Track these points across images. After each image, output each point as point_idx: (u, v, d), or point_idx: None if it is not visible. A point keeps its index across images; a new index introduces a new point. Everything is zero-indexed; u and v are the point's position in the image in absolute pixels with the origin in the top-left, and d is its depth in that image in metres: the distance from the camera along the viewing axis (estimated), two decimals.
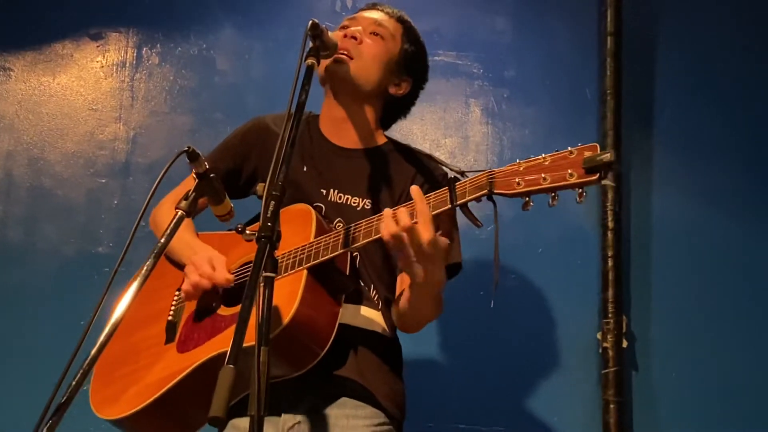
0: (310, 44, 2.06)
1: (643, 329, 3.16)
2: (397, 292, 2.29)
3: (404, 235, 1.92)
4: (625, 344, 3.09)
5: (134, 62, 3.52)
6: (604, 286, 3.14)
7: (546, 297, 3.18)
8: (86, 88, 3.51)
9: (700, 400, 3.09)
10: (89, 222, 3.36)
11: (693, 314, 3.17)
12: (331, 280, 2.10)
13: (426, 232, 1.91)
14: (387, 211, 1.97)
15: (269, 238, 1.59)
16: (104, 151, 3.43)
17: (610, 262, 3.14)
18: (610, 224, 3.16)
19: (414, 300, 2.15)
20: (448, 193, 1.95)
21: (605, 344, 3.08)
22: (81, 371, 1.62)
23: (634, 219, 3.24)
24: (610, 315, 3.09)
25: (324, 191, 2.35)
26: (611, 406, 3.02)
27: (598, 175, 1.75)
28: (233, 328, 2.04)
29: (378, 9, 2.51)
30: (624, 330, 3.10)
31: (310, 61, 1.99)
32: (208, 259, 2.19)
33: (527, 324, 3.17)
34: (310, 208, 2.21)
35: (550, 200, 1.83)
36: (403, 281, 2.26)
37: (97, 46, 3.55)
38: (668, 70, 3.40)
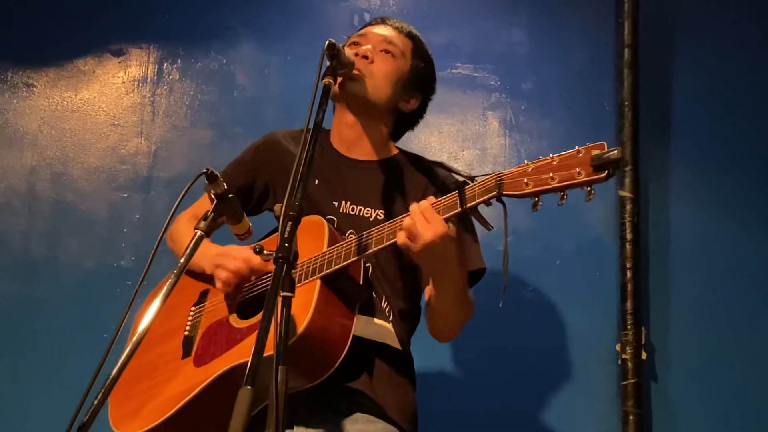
0: (327, 63, 2.10)
1: (662, 341, 3.15)
2: (426, 303, 2.31)
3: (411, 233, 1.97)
4: (644, 356, 3.08)
5: (155, 78, 3.56)
6: (622, 298, 3.13)
7: (564, 309, 3.18)
8: (108, 104, 3.55)
9: (719, 411, 3.08)
10: (111, 236, 3.40)
11: (712, 325, 3.16)
12: (345, 290, 2.12)
13: (426, 231, 1.95)
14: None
15: (287, 258, 1.61)
16: (126, 165, 3.47)
17: (628, 274, 3.13)
18: (629, 236, 3.16)
19: (439, 302, 2.18)
20: (457, 197, 1.98)
21: (624, 356, 3.07)
22: (103, 391, 1.65)
23: (653, 230, 3.24)
24: (629, 327, 3.08)
25: (336, 203, 2.38)
26: (631, 417, 3.02)
27: (606, 172, 1.75)
28: (248, 340, 2.10)
29: (387, 24, 2.52)
30: (643, 341, 3.09)
31: (327, 80, 2.04)
32: (236, 248, 2.25)
33: (545, 336, 3.17)
34: (323, 219, 2.24)
35: (559, 199, 1.84)
36: (427, 292, 2.28)
37: (119, 62, 3.59)
38: (686, 81, 3.40)
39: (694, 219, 3.26)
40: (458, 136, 3.42)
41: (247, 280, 2.26)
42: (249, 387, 1.42)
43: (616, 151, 1.74)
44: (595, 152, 1.77)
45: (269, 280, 2.09)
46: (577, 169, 1.78)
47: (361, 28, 2.58)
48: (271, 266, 2.18)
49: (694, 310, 3.18)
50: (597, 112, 3.37)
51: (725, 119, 3.35)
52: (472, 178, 2.00)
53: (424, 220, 1.96)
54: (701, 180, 3.30)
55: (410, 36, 2.52)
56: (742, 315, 3.17)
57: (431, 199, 2.03)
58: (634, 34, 3.33)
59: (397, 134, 2.58)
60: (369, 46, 2.42)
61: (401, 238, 1.99)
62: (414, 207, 1.99)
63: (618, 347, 3.10)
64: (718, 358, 3.13)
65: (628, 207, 3.18)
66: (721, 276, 3.21)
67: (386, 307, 2.30)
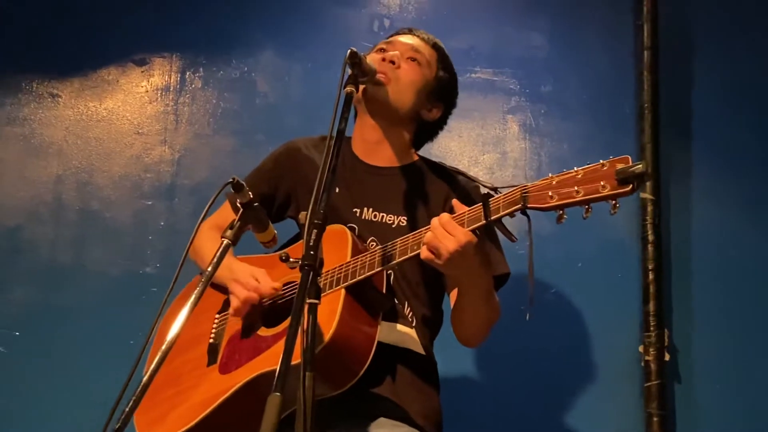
0: (349, 71, 2.12)
1: (685, 342, 3.15)
2: (452, 308, 2.33)
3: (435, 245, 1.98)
4: (667, 357, 3.08)
5: (178, 86, 3.60)
6: (645, 300, 3.14)
7: (586, 311, 3.19)
8: (132, 113, 3.59)
9: (743, 412, 3.08)
10: (136, 243, 3.43)
11: (735, 326, 3.16)
12: (369, 299, 2.14)
13: (450, 243, 1.96)
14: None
15: (312, 266, 1.64)
16: (150, 173, 3.51)
17: (650, 276, 3.14)
18: (650, 237, 3.16)
19: (465, 307, 2.21)
20: (482, 209, 1.99)
21: (647, 357, 3.08)
22: (134, 398, 1.68)
23: (674, 232, 3.24)
24: (651, 328, 3.09)
25: (357, 211, 2.40)
26: (654, 419, 3.02)
27: (631, 186, 1.77)
28: (274, 348, 2.11)
29: (414, 34, 2.55)
30: (666, 343, 3.10)
31: (349, 88, 2.05)
32: (250, 274, 2.27)
33: (568, 338, 3.18)
34: (346, 228, 2.27)
35: (584, 213, 1.86)
36: (454, 296, 2.30)
37: (142, 72, 3.63)
38: (706, 82, 3.40)
39: (715, 220, 3.26)
40: (478, 140, 3.43)
41: (257, 311, 2.28)
42: (278, 394, 1.44)
43: (641, 165, 1.75)
44: (619, 166, 1.79)
45: (294, 288, 2.13)
46: (602, 183, 1.80)
47: (388, 37, 2.60)
48: (293, 274, 2.23)
49: (717, 310, 3.18)
50: (617, 115, 3.38)
51: (746, 120, 3.36)
52: (495, 189, 2.03)
53: (446, 233, 1.97)
54: (722, 181, 3.31)
55: (436, 47, 2.55)
56: (765, 315, 3.17)
57: (458, 205, 2.05)
58: (653, 36, 3.34)
59: (417, 143, 2.59)
60: (397, 52, 2.45)
61: (424, 252, 2.01)
62: (435, 221, 2.00)
63: (641, 349, 3.11)
64: (742, 358, 3.13)
65: (650, 209, 3.18)
66: (743, 276, 3.21)
67: (409, 313, 2.31)
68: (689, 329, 3.18)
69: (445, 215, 2.01)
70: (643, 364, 3.09)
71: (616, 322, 3.18)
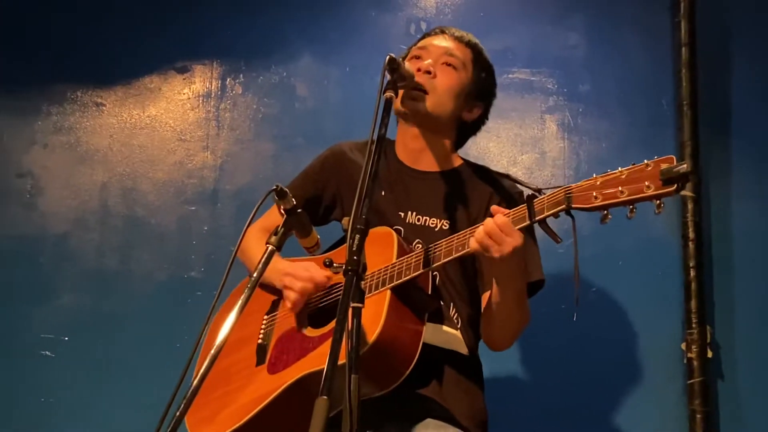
0: (388, 77, 2.14)
1: (727, 338, 3.14)
2: (483, 311, 2.34)
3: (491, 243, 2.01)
4: (709, 354, 3.08)
5: (219, 93, 3.65)
6: (686, 297, 3.13)
7: (628, 309, 3.19)
8: (174, 120, 3.65)
9: None
10: (181, 248, 3.49)
11: None
12: (414, 300, 2.16)
13: (505, 246, 2.00)
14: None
15: (356, 271, 1.67)
16: (193, 179, 3.56)
17: (692, 273, 3.13)
18: (691, 235, 3.15)
19: (500, 304, 2.20)
20: (526, 210, 2.01)
21: (690, 355, 3.07)
22: (185, 401, 1.71)
23: (715, 229, 3.23)
24: (693, 325, 3.08)
25: (402, 214, 2.42)
26: (698, 416, 3.02)
27: (675, 186, 1.78)
28: (321, 348, 2.15)
29: (447, 35, 2.53)
30: (708, 340, 3.09)
31: (388, 94, 2.07)
32: (301, 267, 2.32)
33: (610, 337, 3.17)
34: (391, 230, 2.29)
35: (628, 213, 1.87)
36: (486, 299, 2.32)
37: (183, 79, 3.69)
38: (745, 78, 3.37)
39: (755, 216, 3.24)
40: (516, 140, 3.44)
41: (313, 295, 2.33)
42: (325, 397, 1.47)
43: (685, 165, 1.77)
44: (664, 166, 1.80)
45: (340, 289, 2.16)
46: (646, 183, 1.81)
47: (420, 39, 2.60)
48: (337, 277, 2.27)
49: (759, 307, 3.16)
50: (655, 112, 3.36)
51: None
52: (539, 191, 2.04)
53: (503, 234, 2.00)
54: (762, 177, 3.28)
55: (470, 45, 2.53)
56: None
57: (496, 209, 2.07)
58: (691, 32, 3.31)
59: (459, 143, 2.61)
60: (430, 61, 2.44)
61: (474, 244, 2.04)
62: (490, 221, 2.02)
63: (683, 346, 3.10)
64: None
65: (690, 206, 3.17)
66: None
67: (454, 314, 2.34)
68: (731, 326, 3.16)
69: (501, 217, 2.02)
70: (685, 361, 3.09)
71: (658, 319, 3.17)
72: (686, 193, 3.17)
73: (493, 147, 3.43)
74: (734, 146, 3.32)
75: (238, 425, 2.18)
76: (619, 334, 3.17)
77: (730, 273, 3.20)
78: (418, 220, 2.41)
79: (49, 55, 3.74)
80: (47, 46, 3.75)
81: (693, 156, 3.19)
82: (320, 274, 2.28)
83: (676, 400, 3.08)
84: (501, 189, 2.46)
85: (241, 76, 3.66)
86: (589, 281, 3.21)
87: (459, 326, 2.33)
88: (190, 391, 1.74)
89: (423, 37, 2.60)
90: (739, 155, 3.31)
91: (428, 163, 2.50)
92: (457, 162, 2.56)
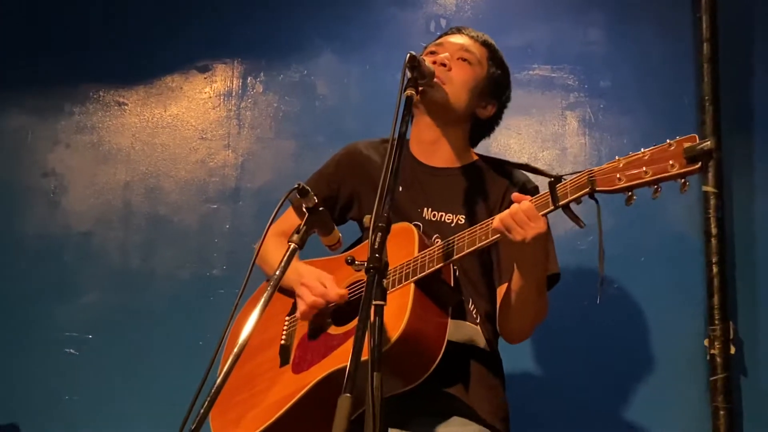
0: (408, 75, 2.15)
1: (750, 335, 3.12)
2: (499, 303, 2.34)
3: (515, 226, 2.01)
4: (732, 350, 3.06)
5: (240, 91, 3.67)
6: (709, 293, 3.11)
7: (650, 306, 3.17)
8: (196, 119, 3.67)
9: None
10: (203, 246, 3.51)
11: None
12: (438, 293, 2.16)
13: (529, 230, 2.00)
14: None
15: (378, 269, 1.67)
16: (215, 177, 3.58)
17: (714, 269, 3.11)
18: (714, 231, 3.13)
19: (518, 293, 2.20)
20: (549, 196, 2.01)
21: (713, 351, 3.05)
22: (208, 400, 1.72)
23: (737, 225, 3.20)
24: (716, 322, 3.06)
25: (420, 210, 2.43)
26: (721, 413, 3.00)
27: (700, 164, 1.78)
28: (344, 346, 2.15)
29: (463, 33, 2.57)
30: (731, 336, 3.07)
31: (409, 91, 2.08)
32: (317, 278, 2.31)
33: (632, 333, 3.16)
34: (412, 225, 2.30)
35: (653, 193, 1.87)
36: (502, 292, 2.32)
37: (205, 78, 3.71)
38: (766, 73, 3.35)
39: None
40: (537, 137, 3.44)
41: (326, 310, 2.32)
42: (348, 395, 1.48)
43: (709, 142, 1.77)
44: (687, 144, 1.80)
45: (362, 287, 2.17)
46: (671, 162, 1.82)
47: (437, 38, 2.63)
48: (359, 274, 2.27)
49: None
50: (676, 108, 3.34)
51: None
52: (560, 177, 2.03)
53: (527, 219, 2.00)
54: None
55: (485, 44, 2.57)
56: None
57: (518, 196, 2.07)
58: (712, 28, 3.29)
59: (473, 141, 2.62)
60: (447, 54, 2.47)
61: (498, 223, 2.04)
62: (515, 206, 2.02)
63: (706, 342, 3.09)
64: None
65: (712, 202, 3.15)
66: None
67: (473, 310, 2.34)
68: (754, 322, 3.14)
69: (526, 203, 2.02)
70: (708, 357, 3.07)
71: (681, 316, 3.16)
72: (708, 188, 3.16)
73: (513, 143, 3.43)
74: (756, 142, 3.30)
75: (264, 426, 2.18)
76: (642, 331, 3.16)
77: (752, 268, 3.19)
78: (434, 216, 2.42)
79: (71, 56, 3.78)
80: (69, 47, 3.79)
81: (715, 151, 3.17)
82: (334, 291, 2.27)
83: (699, 396, 3.06)
84: (517, 181, 2.47)
85: (262, 74, 3.68)
86: (611, 277, 3.20)
87: (478, 322, 2.33)
88: (214, 388, 1.75)
89: (440, 36, 2.64)
90: (761, 151, 3.28)
91: (442, 159, 2.51)
92: (473, 157, 2.57)
